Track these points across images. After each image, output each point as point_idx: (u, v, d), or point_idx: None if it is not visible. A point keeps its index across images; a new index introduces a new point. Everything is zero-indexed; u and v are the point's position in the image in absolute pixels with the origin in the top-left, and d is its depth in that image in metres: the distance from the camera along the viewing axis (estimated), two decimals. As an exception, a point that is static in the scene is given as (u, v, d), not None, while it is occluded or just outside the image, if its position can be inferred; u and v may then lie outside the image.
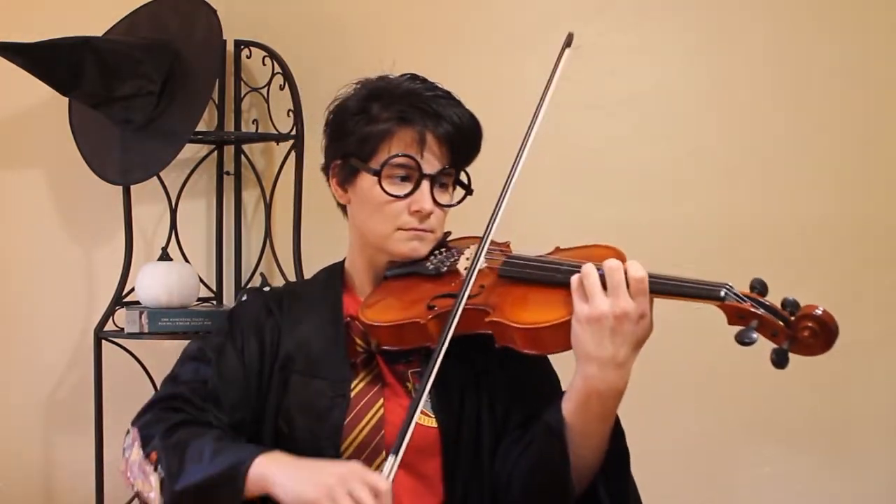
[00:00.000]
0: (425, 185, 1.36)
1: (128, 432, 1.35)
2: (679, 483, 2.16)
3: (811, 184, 2.13)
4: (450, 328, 1.23)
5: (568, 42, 1.41)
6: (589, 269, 1.19)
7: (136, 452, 1.30)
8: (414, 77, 1.42)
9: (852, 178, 2.12)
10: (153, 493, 1.26)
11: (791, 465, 2.14)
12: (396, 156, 1.35)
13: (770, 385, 2.13)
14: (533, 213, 2.07)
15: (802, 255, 2.13)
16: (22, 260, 2.53)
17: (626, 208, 2.21)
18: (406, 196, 1.36)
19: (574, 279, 1.20)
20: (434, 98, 1.37)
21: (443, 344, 1.22)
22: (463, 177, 1.45)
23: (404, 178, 1.37)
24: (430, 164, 1.37)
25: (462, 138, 1.38)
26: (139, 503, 1.30)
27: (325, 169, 1.46)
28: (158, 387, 1.44)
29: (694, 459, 2.19)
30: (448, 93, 1.41)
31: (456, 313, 1.24)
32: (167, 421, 1.32)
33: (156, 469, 1.26)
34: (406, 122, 1.36)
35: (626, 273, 1.17)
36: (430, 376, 1.20)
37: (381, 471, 1.18)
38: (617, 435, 1.25)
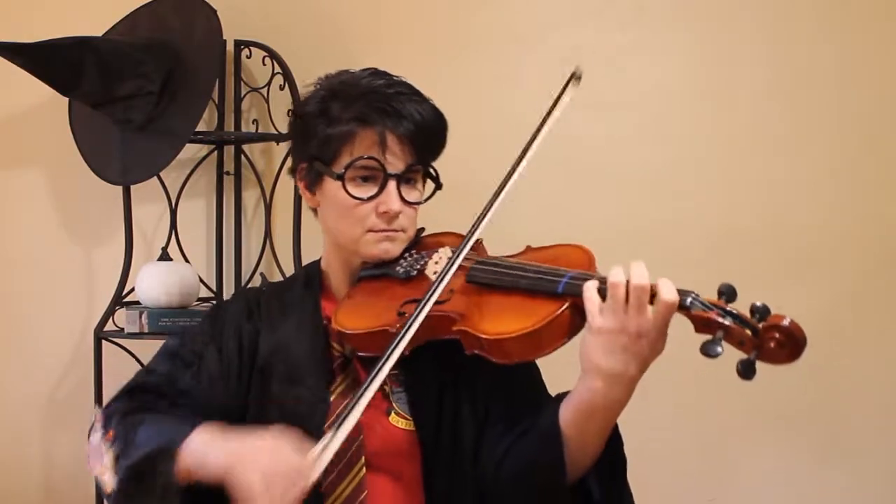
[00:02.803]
0: (391, 185, 1.34)
1: (94, 417, 1.35)
2: (675, 477, 2.16)
3: (811, 183, 2.13)
4: (404, 334, 1.21)
5: (577, 77, 1.37)
6: (616, 279, 1.12)
7: (97, 434, 1.30)
8: (375, 73, 1.39)
9: (852, 178, 2.12)
10: (108, 474, 1.24)
11: (789, 459, 2.14)
12: (359, 158, 1.33)
13: (767, 380, 2.12)
14: (531, 212, 2.07)
15: (802, 254, 2.13)
16: (22, 260, 2.53)
17: (626, 208, 2.21)
18: (372, 198, 1.34)
19: (589, 288, 1.15)
20: (394, 95, 1.34)
21: (392, 350, 1.20)
22: (433, 170, 1.42)
23: (369, 179, 1.35)
24: (394, 163, 1.34)
25: (424, 135, 1.35)
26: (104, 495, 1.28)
27: (293, 171, 1.44)
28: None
29: (690, 454, 2.19)
30: (410, 87, 1.37)
31: (412, 322, 1.22)
32: (130, 405, 1.32)
33: (111, 447, 1.25)
34: (366, 123, 1.33)
35: (654, 290, 1.11)
36: (371, 380, 1.19)
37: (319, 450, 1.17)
38: (614, 442, 1.24)
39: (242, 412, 1.37)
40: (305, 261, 2.36)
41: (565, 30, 2.25)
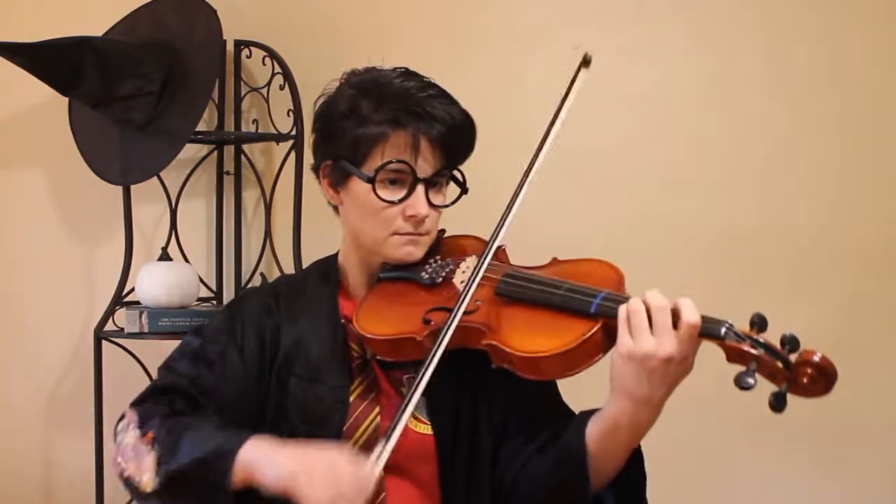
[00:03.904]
0: (420, 189, 1.33)
1: (122, 416, 1.33)
2: (676, 484, 2.15)
3: (811, 184, 2.13)
4: (438, 347, 1.21)
5: (586, 62, 1.37)
6: (636, 306, 1.14)
7: (132, 434, 1.29)
8: (406, 73, 1.37)
9: (852, 178, 2.11)
10: (147, 475, 1.24)
11: (789, 467, 2.13)
12: (391, 162, 1.31)
13: (768, 385, 2.13)
14: (531, 213, 2.05)
15: (802, 255, 2.13)
16: (22, 260, 2.53)
17: (626, 208, 2.21)
18: (400, 201, 1.33)
19: (622, 310, 1.15)
20: (427, 98, 1.32)
21: (429, 363, 1.20)
22: (460, 174, 1.41)
23: (397, 182, 1.33)
24: (424, 167, 1.33)
25: (455, 138, 1.34)
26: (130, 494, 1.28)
27: (316, 168, 1.42)
28: (155, 374, 1.42)
29: (691, 460, 2.18)
30: (441, 90, 1.36)
31: (445, 334, 1.22)
32: (168, 406, 1.31)
33: (152, 448, 1.25)
34: (399, 126, 1.31)
35: (677, 313, 1.13)
36: (417, 387, 1.19)
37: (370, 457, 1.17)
38: (636, 458, 1.25)
39: (262, 410, 1.37)
40: (306, 261, 2.38)
41: (565, 30, 2.25)
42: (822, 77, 2.12)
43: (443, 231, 1.44)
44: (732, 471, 2.18)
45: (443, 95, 1.35)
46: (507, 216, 1.31)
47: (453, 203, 1.40)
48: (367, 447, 1.30)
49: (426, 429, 1.33)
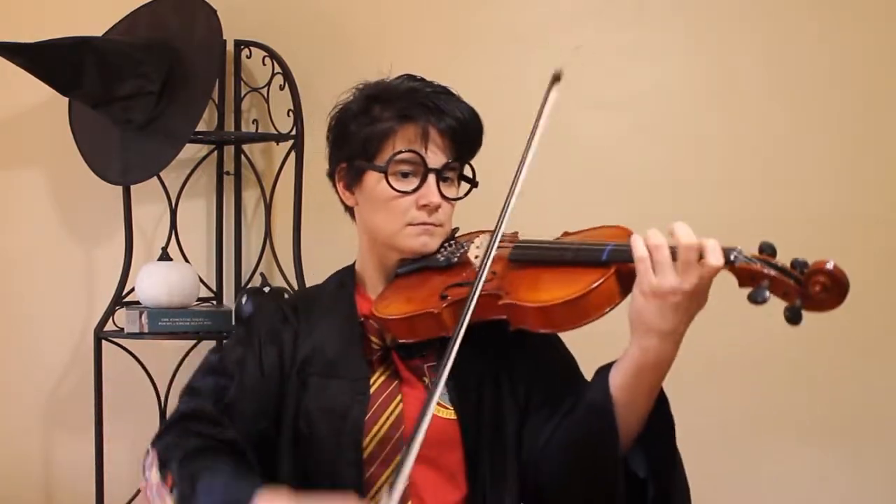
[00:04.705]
0: (431, 178, 1.37)
1: (147, 452, 1.35)
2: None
3: (811, 183, 2.13)
4: (467, 312, 1.21)
5: (556, 78, 1.37)
6: (657, 241, 1.17)
7: (155, 475, 1.31)
8: (411, 77, 1.42)
9: (852, 178, 2.12)
10: None
11: (798, 461, 2.13)
12: (401, 151, 1.35)
13: (777, 379, 2.14)
14: (531, 212, 2.06)
15: (802, 255, 2.12)
16: (22, 260, 2.53)
17: (625, 208, 2.20)
18: (413, 191, 1.36)
19: (638, 248, 1.17)
20: (434, 94, 1.38)
21: (460, 328, 1.20)
22: (467, 170, 1.45)
23: (410, 174, 1.37)
24: (435, 158, 1.37)
25: (464, 132, 1.39)
26: None
27: (331, 174, 1.46)
28: (166, 394, 1.44)
29: (697, 455, 2.18)
30: (447, 89, 1.41)
31: (474, 296, 1.22)
32: (186, 445, 1.32)
33: (171, 493, 1.27)
34: (408, 119, 1.36)
35: (702, 252, 1.16)
36: (447, 365, 1.18)
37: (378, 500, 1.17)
38: (661, 402, 1.25)
39: (279, 413, 1.38)
40: (305, 261, 2.38)
41: (565, 30, 2.25)
42: (822, 77, 2.12)
43: (456, 228, 1.47)
44: (742, 465, 2.17)
45: (449, 93, 1.41)
46: (518, 181, 1.31)
47: (465, 195, 1.43)
48: (389, 436, 1.33)
49: (450, 413, 1.34)
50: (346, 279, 1.48)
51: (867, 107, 2.10)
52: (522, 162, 1.31)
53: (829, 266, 1.11)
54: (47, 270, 2.53)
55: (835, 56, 2.11)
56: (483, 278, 1.24)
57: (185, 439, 1.33)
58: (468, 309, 1.21)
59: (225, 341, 1.50)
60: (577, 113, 2.18)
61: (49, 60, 2.16)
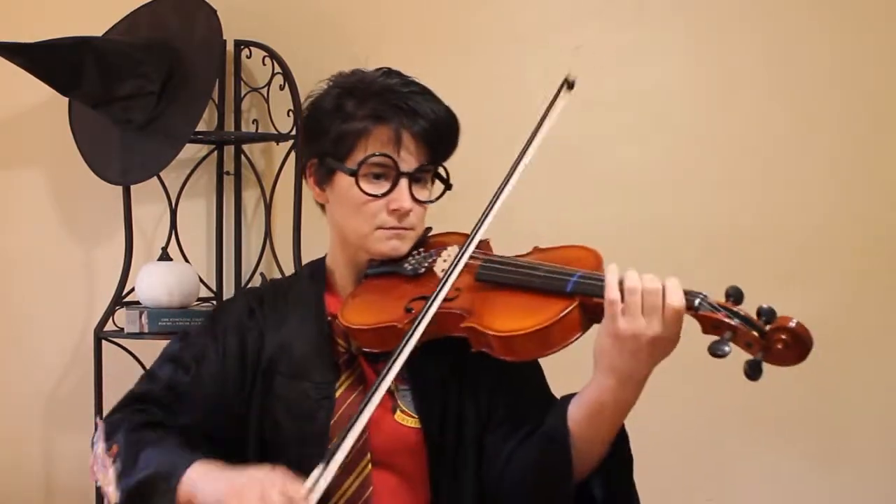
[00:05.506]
0: (403, 183, 1.34)
1: (96, 426, 1.37)
2: (667, 476, 2.15)
3: (811, 184, 2.13)
4: (413, 332, 1.21)
5: (569, 85, 1.37)
6: (634, 285, 1.14)
7: (101, 446, 1.32)
8: (389, 72, 1.39)
9: (852, 178, 2.12)
10: (111, 488, 1.28)
11: (786, 461, 2.13)
12: (373, 155, 1.33)
13: (765, 381, 2.11)
14: (530, 212, 2.06)
15: (802, 255, 2.13)
16: (22, 260, 2.53)
17: (626, 208, 2.21)
18: (384, 195, 1.34)
19: (611, 290, 1.15)
20: (409, 94, 1.34)
21: (402, 348, 1.20)
22: (443, 171, 1.43)
23: (381, 176, 1.35)
24: (407, 161, 1.34)
25: (438, 134, 1.36)
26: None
27: (302, 168, 1.44)
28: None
29: (683, 453, 2.19)
30: (424, 87, 1.38)
31: (422, 319, 1.22)
32: (134, 419, 1.34)
33: (114, 462, 1.28)
34: (381, 120, 1.33)
35: (664, 296, 1.13)
36: (382, 379, 1.19)
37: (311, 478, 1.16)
38: (621, 440, 1.24)
39: (245, 410, 1.38)
40: (305, 260, 2.36)
41: (565, 30, 2.25)
42: (822, 77, 2.12)
43: (429, 228, 1.45)
44: (724, 463, 2.18)
45: (425, 92, 1.37)
46: (490, 210, 1.31)
47: (438, 198, 1.41)
48: (353, 443, 1.30)
49: (414, 422, 1.34)
50: (317, 274, 1.46)
51: (867, 107, 2.10)
52: (512, 171, 1.31)
53: (792, 324, 1.08)
54: (47, 270, 2.53)
55: (835, 56, 2.11)
56: (439, 300, 1.24)
57: (135, 415, 1.35)
58: (416, 327, 1.21)
59: (193, 327, 1.50)
60: (575, 112, 2.17)
61: (49, 60, 2.16)
